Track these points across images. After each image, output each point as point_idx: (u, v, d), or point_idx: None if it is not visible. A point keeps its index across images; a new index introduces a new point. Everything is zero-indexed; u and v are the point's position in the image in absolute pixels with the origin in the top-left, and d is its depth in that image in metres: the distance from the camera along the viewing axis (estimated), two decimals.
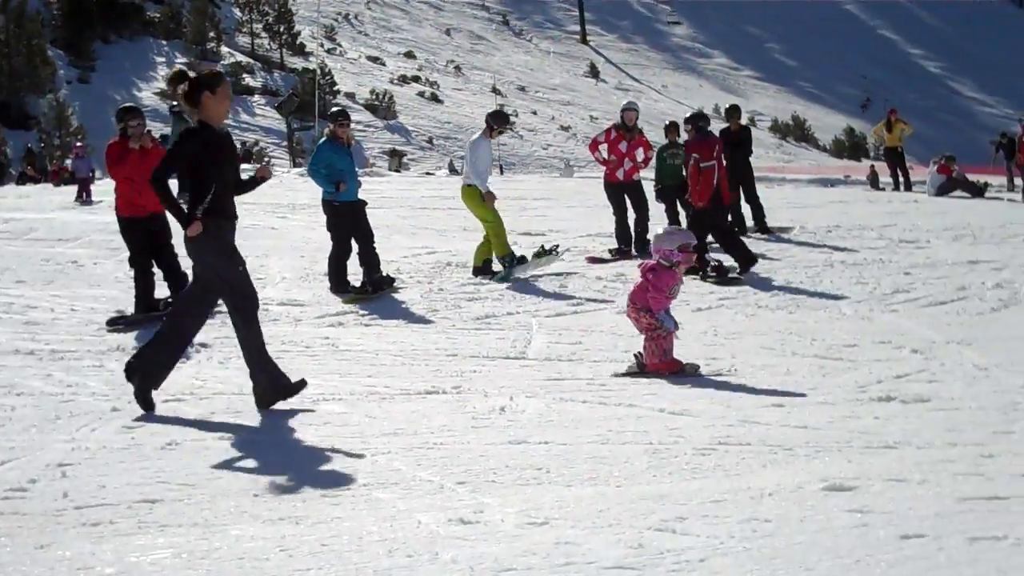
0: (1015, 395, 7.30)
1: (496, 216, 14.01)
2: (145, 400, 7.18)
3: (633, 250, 15.67)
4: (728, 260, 14.07)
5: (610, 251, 15.87)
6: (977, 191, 28.08)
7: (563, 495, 4.97)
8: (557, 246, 14.62)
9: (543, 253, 14.24)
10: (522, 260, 14.05)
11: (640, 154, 15.95)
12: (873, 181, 37.62)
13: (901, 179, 29.42)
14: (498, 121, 14.70)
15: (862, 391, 7.58)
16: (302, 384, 7.40)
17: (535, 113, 78.73)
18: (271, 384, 7.29)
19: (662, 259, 8.89)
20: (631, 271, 14.32)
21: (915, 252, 15.67)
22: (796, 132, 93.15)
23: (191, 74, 7.44)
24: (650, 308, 8.74)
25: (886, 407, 7.04)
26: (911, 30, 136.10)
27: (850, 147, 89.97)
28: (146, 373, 7.24)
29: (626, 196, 15.78)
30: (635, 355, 8.80)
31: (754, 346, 9.77)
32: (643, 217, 15.84)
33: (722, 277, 13.61)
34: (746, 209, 17.72)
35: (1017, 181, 29.77)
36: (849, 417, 6.71)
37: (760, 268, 14.17)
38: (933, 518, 4.35)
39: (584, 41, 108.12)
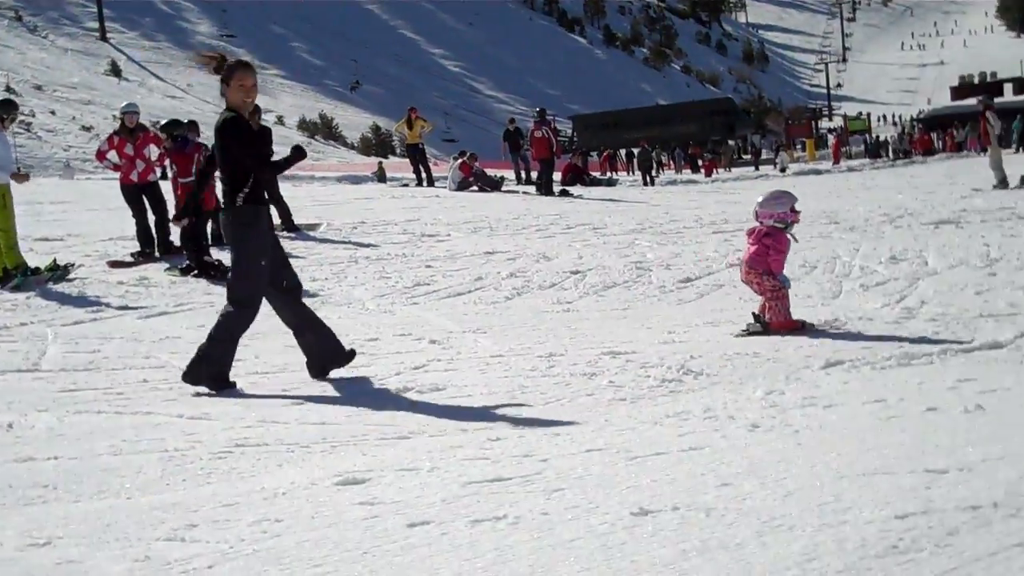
0: (523, 379, 7.66)
1: (10, 225, 13.29)
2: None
3: (156, 252, 15.31)
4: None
5: (132, 255, 15.43)
6: (495, 185, 29.40)
7: (70, 512, 4.74)
8: (71, 264, 14.02)
9: (55, 268, 13.61)
10: (36, 271, 13.38)
11: (152, 152, 15.60)
12: (380, 177, 38.45)
13: (424, 175, 30.36)
14: (6, 109, 13.97)
15: (381, 383, 7.72)
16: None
17: (54, 113, 75.06)
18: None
19: (776, 222, 9.40)
20: (155, 275, 14.01)
21: (436, 245, 16.22)
22: (324, 131, 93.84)
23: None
24: (771, 271, 9.29)
25: (403, 398, 7.20)
26: (432, 32, 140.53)
27: (377, 144, 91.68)
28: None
29: (144, 197, 15.39)
30: (753, 314, 9.33)
31: (279, 346, 9.72)
32: (163, 219, 15.49)
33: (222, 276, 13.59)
34: (272, 209, 17.71)
35: (533, 175, 31.34)
36: (366, 410, 6.81)
37: None
38: (440, 504, 4.47)
39: (104, 39, 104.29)
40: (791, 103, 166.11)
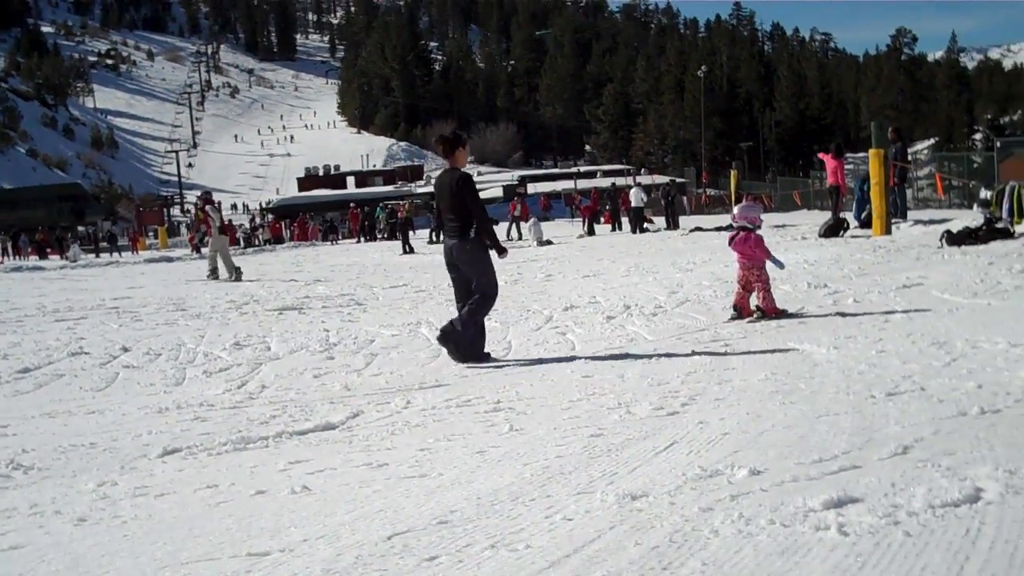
0: None
1: None
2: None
3: None
4: None
5: None
6: None
7: None
8: None
9: None
10: None
11: None
12: None
13: None
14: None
15: None
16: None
17: None
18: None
19: (747, 223, 11.82)
20: None
21: None
22: None
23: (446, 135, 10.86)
24: (763, 262, 11.69)
25: None
26: None
27: None
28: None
29: None
30: (734, 308, 11.91)
31: None
32: None
33: None
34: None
35: None
36: None
37: None
38: None
39: None
40: (142, 190, 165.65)
